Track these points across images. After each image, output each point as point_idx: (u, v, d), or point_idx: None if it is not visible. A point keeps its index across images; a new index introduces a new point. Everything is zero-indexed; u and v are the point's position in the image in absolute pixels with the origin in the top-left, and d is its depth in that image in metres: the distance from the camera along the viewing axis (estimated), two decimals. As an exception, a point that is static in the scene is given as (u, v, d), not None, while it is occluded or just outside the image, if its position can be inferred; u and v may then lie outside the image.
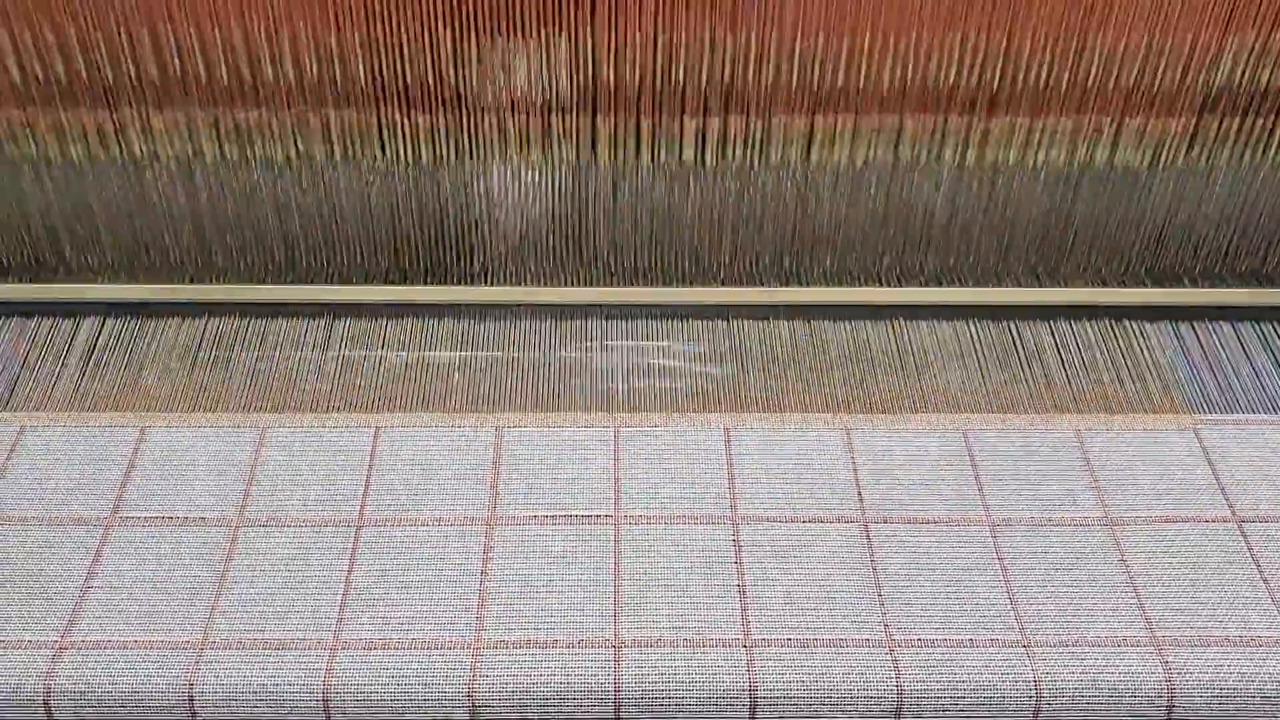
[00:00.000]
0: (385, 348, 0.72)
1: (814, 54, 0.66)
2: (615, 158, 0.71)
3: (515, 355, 0.72)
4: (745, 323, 0.74)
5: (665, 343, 0.73)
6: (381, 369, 0.71)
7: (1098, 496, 0.63)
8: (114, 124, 0.69)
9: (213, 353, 0.72)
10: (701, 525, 0.61)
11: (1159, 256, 0.76)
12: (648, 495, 0.63)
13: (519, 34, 0.65)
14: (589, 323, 0.74)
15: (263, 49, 0.66)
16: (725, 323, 0.74)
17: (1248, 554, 0.60)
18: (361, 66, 0.66)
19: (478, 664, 0.55)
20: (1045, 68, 0.67)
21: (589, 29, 0.65)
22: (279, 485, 0.63)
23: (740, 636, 0.56)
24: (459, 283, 0.76)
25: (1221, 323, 0.74)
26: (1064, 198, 0.73)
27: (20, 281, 0.75)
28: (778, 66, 0.67)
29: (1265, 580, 0.59)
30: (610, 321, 0.74)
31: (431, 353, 0.72)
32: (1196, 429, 0.67)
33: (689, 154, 0.71)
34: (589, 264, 0.75)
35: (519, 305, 0.75)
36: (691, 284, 0.76)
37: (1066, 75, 0.67)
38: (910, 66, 0.67)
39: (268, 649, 0.56)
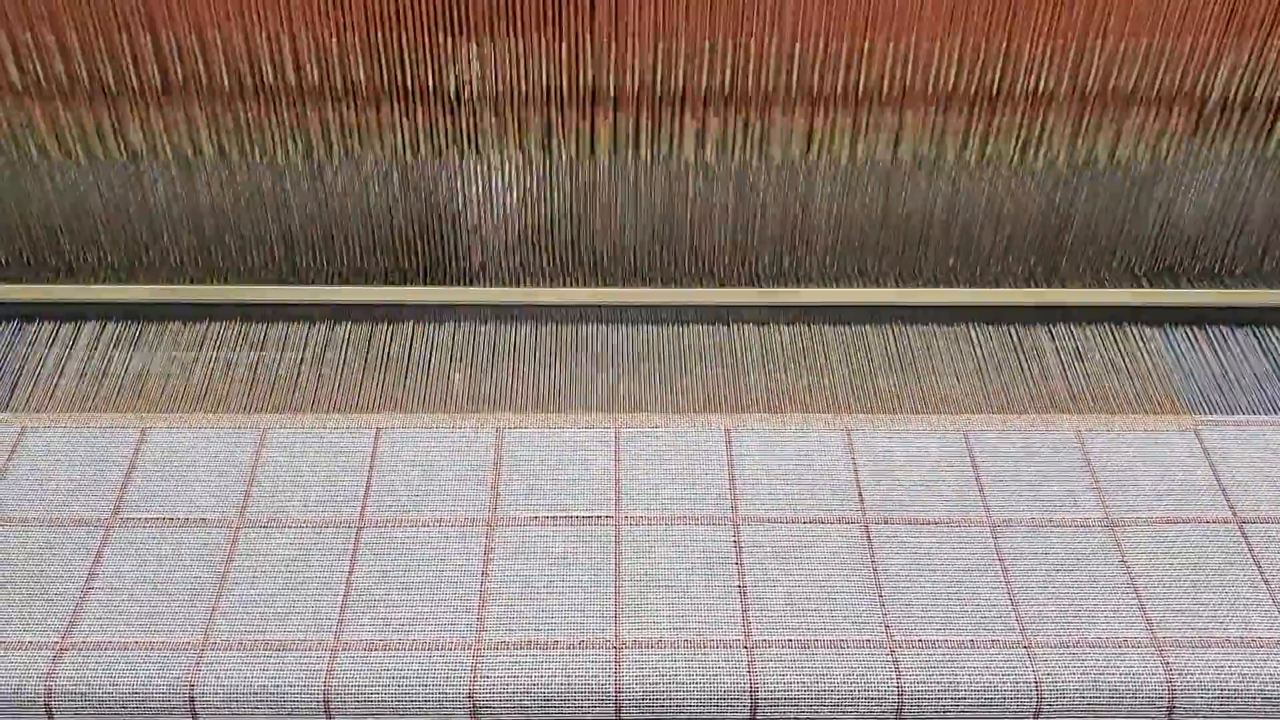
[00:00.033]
0: (385, 348, 0.72)
1: (814, 55, 0.66)
2: (615, 157, 0.71)
3: (515, 356, 0.72)
4: (745, 324, 0.74)
5: (666, 343, 0.73)
6: (382, 370, 0.71)
7: (1098, 497, 0.63)
8: (114, 125, 0.69)
9: (213, 354, 0.72)
10: (702, 526, 0.61)
11: (1159, 257, 0.76)
12: (648, 496, 0.63)
13: (519, 34, 0.65)
14: (589, 323, 0.74)
15: (262, 50, 0.66)
16: (725, 324, 0.74)
17: (1248, 555, 0.60)
18: (361, 67, 0.66)
19: (478, 665, 0.55)
20: (1045, 69, 0.67)
21: (589, 29, 0.65)
22: (280, 486, 0.63)
23: (741, 637, 0.56)
24: (459, 283, 0.76)
25: (1222, 324, 0.74)
26: (1064, 198, 0.73)
27: (21, 282, 0.75)
28: (777, 67, 0.67)
29: (1266, 581, 0.59)
30: (610, 322, 0.74)
31: (432, 353, 0.72)
32: (1197, 430, 0.67)
33: (689, 154, 0.71)
34: (589, 264, 0.75)
35: (519, 305, 0.75)
36: (692, 285, 0.76)
37: (1066, 76, 0.67)
38: (910, 67, 0.67)
39: (268, 650, 0.56)
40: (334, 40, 0.65)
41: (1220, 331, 0.74)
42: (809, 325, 0.74)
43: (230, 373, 0.70)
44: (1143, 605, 0.58)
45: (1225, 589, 0.59)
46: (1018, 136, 0.70)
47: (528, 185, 0.72)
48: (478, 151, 0.71)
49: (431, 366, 0.71)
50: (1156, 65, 0.67)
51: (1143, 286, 0.76)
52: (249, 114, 0.68)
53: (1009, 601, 0.58)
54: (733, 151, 0.70)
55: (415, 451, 0.65)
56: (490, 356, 0.72)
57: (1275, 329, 0.74)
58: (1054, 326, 0.74)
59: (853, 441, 0.66)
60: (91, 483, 0.63)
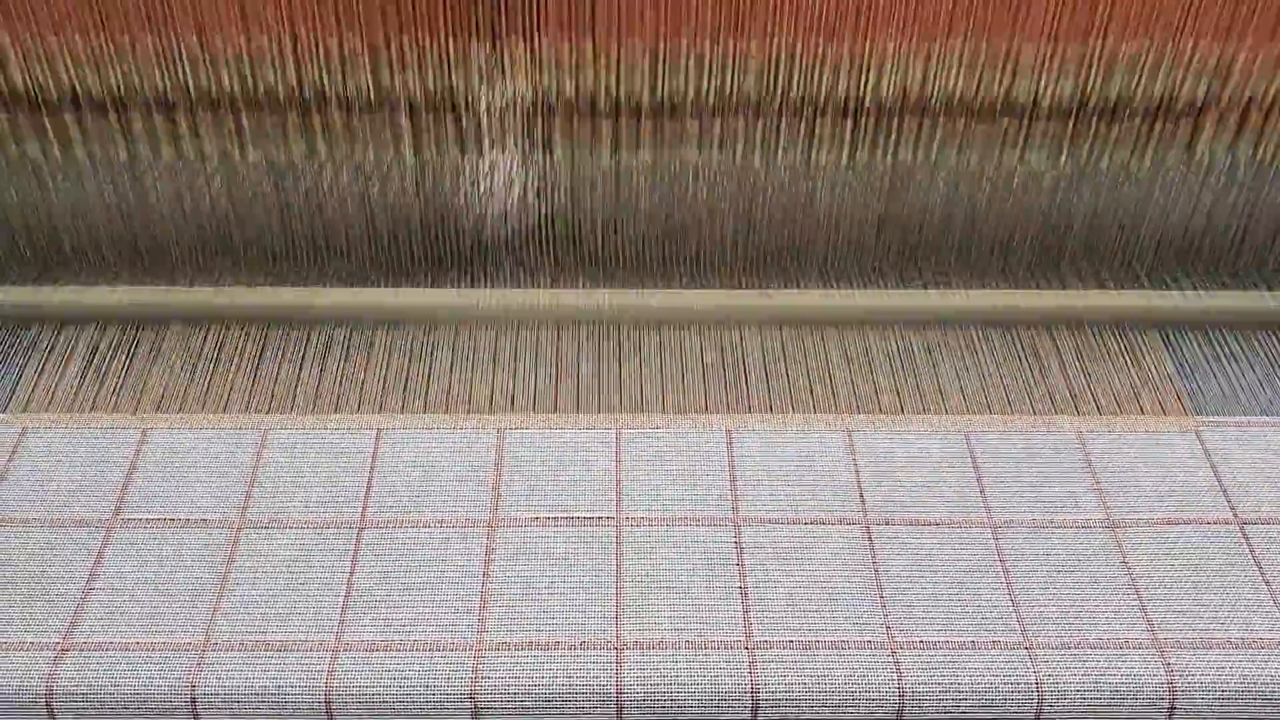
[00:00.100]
0: (386, 349, 0.72)
1: (814, 57, 0.66)
2: (616, 159, 0.71)
3: (516, 357, 0.72)
4: (746, 325, 0.74)
5: (666, 344, 0.73)
6: (383, 370, 0.71)
7: (1099, 498, 0.63)
8: (115, 127, 0.69)
9: (214, 355, 0.72)
10: (703, 527, 0.61)
11: (1160, 259, 0.76)
12: (649, 497, 0.63)
13: (519, 39, 0.65)
14: (590, 324, 0.74)
15: (263, 52, 0.66)
16: (726, 324, 0.74)
17: (1250, 556, 0.60)
18: (362, 70, 0.66)
19: (479, 666, 0.55)
20: (1045, 72, 0.67)
21: (589, 30, 0.65)
22: (281, 487, 0.63)
23: (742, 638, 0.56)
24: (460, 284, 0.76)
25: (1223, 325, 0.74)
26: (1065, 201, 0.73)
27: (21, 284, 0.75)
28: (777, 69, 0.67)
29: (1267, 583, 0.59)
30: (611, 324, 0.74)
31: (432, 354, 0.72)
32: (1198, 431, 0.67)
33: (690, 155, 0.71)
34: (590, 265, 0.75)
35: (520, 306, 0.75)
36: (693, 286, 0.76)
37: (1067, 80, 0.67)
38: (910, 70, 0.67)
39: (270, 651, 0.56)
40: (335, 42, 0.65)
41: (1222, 332, 0.74)
42: (810, 326, 0.74)
43: (231, 374, 0.70)
44: (1144, 606, 0.58)
45: (1226, 590, 0.59)
46: (1018, 139, 0.70)
47: (529, 186, 0.72)
48: (480, 153, 0.71)
49: (432, 367, 0.71)
50: (1155, 69, 0.67)
51: (1144, 288, 0.76)
52: (250, 116, 0.68)
53: (1010, 602, 0.58)
54: (734, 153, 0.70)
55: (416, 452, 0.65)
56: (491, 357, 0.72)
57: (1277, 330, 0.74)
58: (1055, 327, 0.74)
59: (854, 442, 0.66)
60: (92, 483, 0.63)
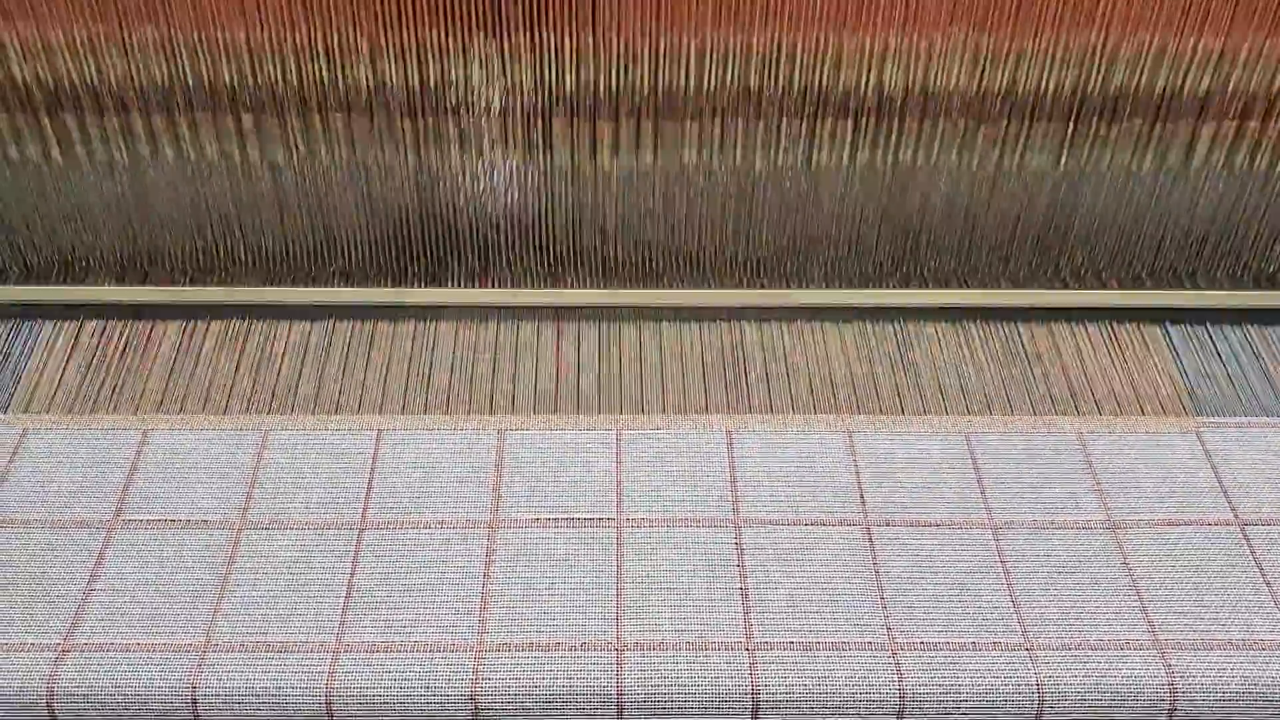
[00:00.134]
0: (387, 350, 0.72)
1: (814, 55, 0.66)
2: (616, 158, 0.71)
3: (517, 357, 0.72)
4: (747, 325, 0.74)
5: (667, 345, 0.73)
6: (383, 371, 0.71)
7: (1100, 499, 0.63)
8: (115, 126, 0.69)
9: (214, 355, 0.72)
10: (704, 528, 0.61)
11: (1161, 258, 0.76)
12: (650, 498, 0.63)
13: (519, 36, 0.65)
14: (590, 324, 0.74)
15: (264, 50, 0.66)
16: (727, 325, 0.74)
17: (1250, 557, 0.60)
18: (362, 68, 0.66)
19: (480, 667, 0.55)
20: (1044, 71, 0.67)
21: (589, 31, 0.65)
22: (281, 488, 0.63)
23: (743, 639, 0.56)
24: (460, 284, 0.76)
25: (1224, 325, 0.74)
26: (1065, 199, 0.73)
27: (22, 283, 0.75)
28: (778, 69, 0.67)
29: (1268, 583, 0.59)
30: (611, 323, 0.74)
31: (433, 355, 0.72)
32: (1199, 432, 0.67)
33: (690, 155, 0.71)
34: (590, 265, 0.75)
35: (520, 307, 0.75)
36: (693, 286, 0.76)
37: (1065, 79, 0.67)
38: (910, 69, 0.67)
39: (270, 652, 0.56)
40: (335, 40, 0.65)
41: (1222, 333, 0.74)
42: (810, 326, 0.74)
43: (232, 374, 0.70)
44: (1144, 607, 0.58)
45: (1227, 591, 0.59)
46: (1019, 138, 0.70)
47: (529, 186, 0.72)
48: (479, 152, 0.71)
49: (433, 368, 0.71)
50: (1156, 66, 0.67)
51: (1145, 288, 0.76)
52: (250, 115, 0.68)
53: (1011, 603, 0.58)
54: (734, 153, 0.70)
55: (417, 453, 0.65)
56: (491, 358, 0.72)
57: (1278, 330, 0.74)
58: (1055, 328, 0.74)
59: (854, 443, 0.66)
60: (93, 485, 0.63)
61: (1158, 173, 0.72)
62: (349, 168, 0.71)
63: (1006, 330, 0.74)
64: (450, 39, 0.66)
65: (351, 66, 0.66)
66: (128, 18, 0.64)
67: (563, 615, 0.57)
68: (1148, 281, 0.76)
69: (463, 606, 0.58)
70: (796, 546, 0.61)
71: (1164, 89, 0.68)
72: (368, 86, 0.67)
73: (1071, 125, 0.70)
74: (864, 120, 0.69)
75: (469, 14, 0.64)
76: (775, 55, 0.66)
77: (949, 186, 0.72)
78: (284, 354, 0.72)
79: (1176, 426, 0.67)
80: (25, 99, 0.68)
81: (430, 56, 0.66)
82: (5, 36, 0.65)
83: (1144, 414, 0.68)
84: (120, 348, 0.72)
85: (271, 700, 0.54)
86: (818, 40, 0.65)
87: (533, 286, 0.76)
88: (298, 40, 0.65)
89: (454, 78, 0.67)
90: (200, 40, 0.65)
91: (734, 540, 0.61)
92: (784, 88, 0.67)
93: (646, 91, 0.68)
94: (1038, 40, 0.66)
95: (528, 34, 0.65)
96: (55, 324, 0.73)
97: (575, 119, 0.69)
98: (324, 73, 0.66)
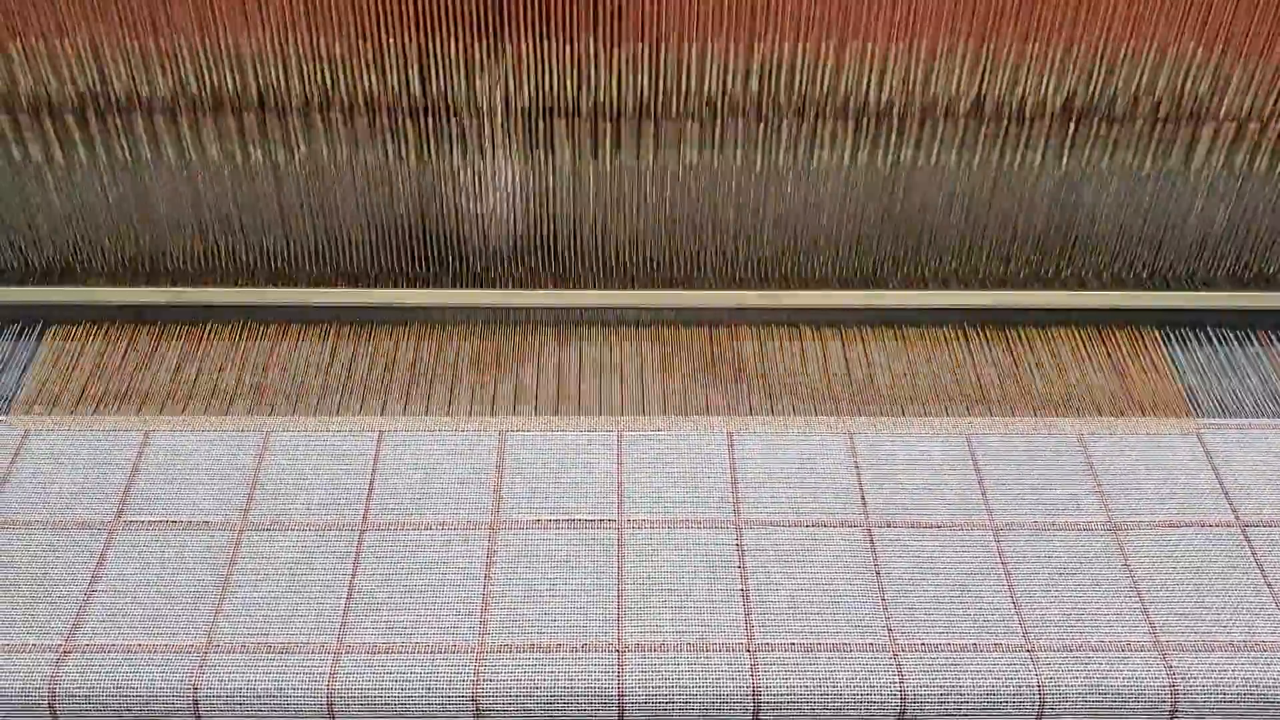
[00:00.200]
0: (388, 351, 0.72)
1: (814, 59, 0.66)
2: (617, 160, 0.71)
3: (517, 359, 0.72)
4: (747, 326, 0.74)
5: (667, 346, 0.73)
6: (384, 373, 0.71)
7: (1101, 501, 0.63)
8: (118, 128, 0.69)
9: (216, 356, 0.72)
10: (705, 530, 0.61)
11: (1161, 259, 0.76)
12: (651, 499, 0.63)
13: (520, 38, 0.66)
14: (591, 326, 0.74)
15: (266, 55, 0.66)
16: (728, 326, 0.74)
17: (1251, 559, 0.60)
18: (364, 72, 0.66)
19: (481, 668, 0.55)
20: (1043, 73, 0.67)
21: (589, 33, 0.65)
22: (283, 489, 0.63)
23: (744, 641, 0.56)
24: (462, 286, 0.76)
25: (1225, 326, 0.74)
26: (1066, 201, 0.73)
27: (25, 285, 0.75)
28: (778, 71, 0.67)
29: (1269, 585, 0.59)
30: (612, 325, 0.74)
31: (434, 356, 0.72)
32: (1200, 433, 0.67)
33: (691, 157, 0.71)
34: (591, 267, 0.75)
35: (521, 308, 0.75)
36: (694, 287, 0.76)
37: (1066, 82, 0.67)
38: (910, 72, 0.67)
39: (272, 653, 0.56)
40: (336, 45, 0.65)
41: (1223, 334, 0.74)
42: (811, 328, 0.74)
43: (233, 376, 0.70)
44: (1145, 609, 0.58)
45: (1228, 593, 0.59)
46: (1019, 140, 0.70)
47: (529, 188, 0.72)
48: (480, 154, 0.71)
49: (434, 369, 0.71)
50: (1155, 72, 0.67)
51: (1146, 289, 0.76)
52: (253, 118, 0.68)
53: (1011, 605, 0.58)
54: (734, 155, 0.70)
55: (418, 454, 0.65)
56: (492, 359, 0.72)
57: (1278, 331, 0.74)
58: (1056, 329, 0.74)
59: (855, 445, 0.66)
60: (95, 485, 0.63)
61: (1158, 174, 0.72)
62: (351, 170, 0.71)
63: (1007, 332, 0.74)
64: (452, 44, 0.66)
65: (354, 70, 0.66)
66: (131, 23, 0.64)
67: (564, 616, 0.57)
68: (1149, 283, 0.76)
69: (464, 608, 0.58)
70: (797, 548, 0.61)
71: (1164, 91, 0.68)
72: (370, 89, 0.67)
73: (1072, 127, 0.70)
74: (864, 122, 0.69)
75: (470, 19, 0.65)
76: (776, 60, 0.66)
77: (950, 188, 0.72)
78: (285, 355, 0.72)
79: (1177, 428, 0.67)
80: (28, 102, 0.68)
81: (432, 60, 0.66)
82: (10, 42, 0.65)
83: (1145, 415, 0.68)
84: (122, 349, 0.72)
85: (273, 701, 0.54)
86: (818, 46, 0.65)
87: (534, 288, 0.76)
88: (299, 44, 0.65)
89: (455, 81, 0.67)
90: (203, 45, 0.65)
91: (735, 542, 0.61)
92: (784, 91, 0.68)
93: (647, 93, 0.68)
94: (1037, 44, 0.66)
95: (528, 39, 0.65)
96: (57, 325, 0.73)
97: (576, 121, 0.69)
98: (326, 76, 0.67)
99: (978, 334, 0.74)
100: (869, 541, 0.61)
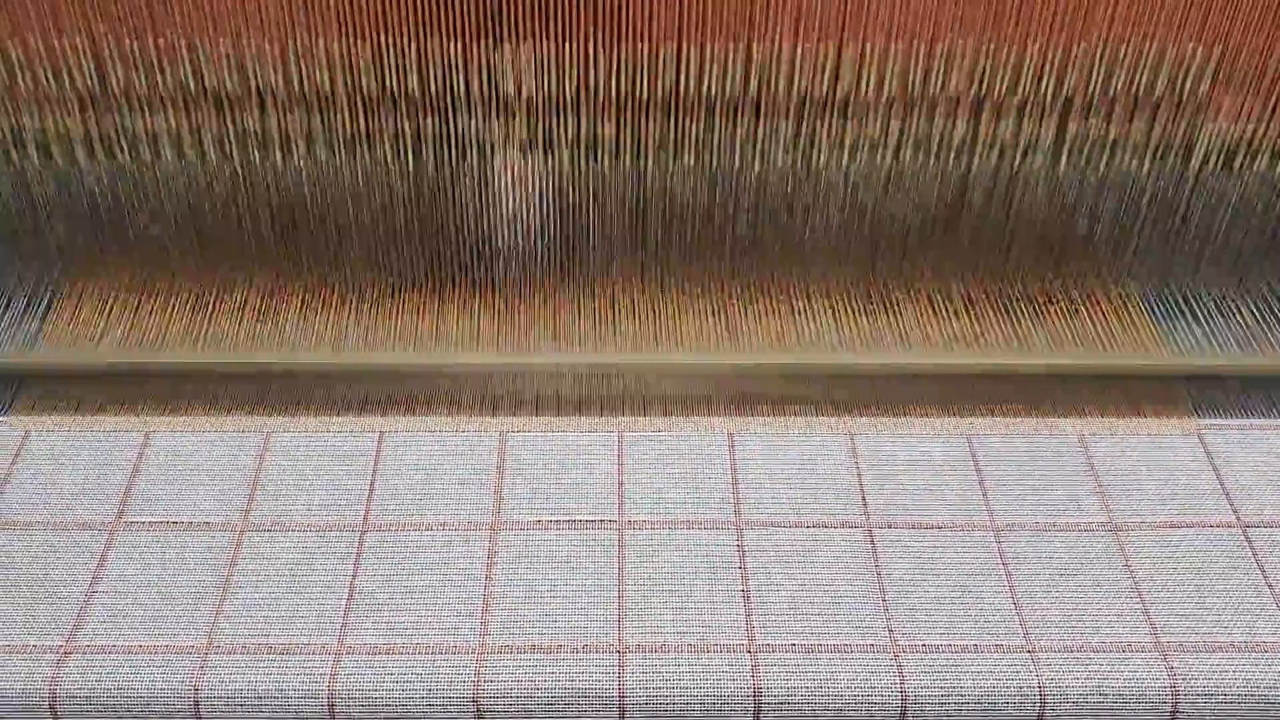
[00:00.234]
0: (389, 352, 0.72)
1: (815, 59, 0.66)
2: (619, 162, 0.71)
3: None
4: (748, 327, 0.74)
5: (669, 347, 0.73)
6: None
7: (1102, 501, 0.63)
8: (117, 128, 0.69)
9: (217, 357, 0.72)
10: (705, 530, 0.61)
11: (1163, 260, 0.76)
12: (652, 500, 0.63)
13: (523, 39, 0.66)
14: (592, 327, 0.74)
15: (267, 54, 0.66)
16: (729, 327, 0.74)
17: (1252, 559, 0.60)
18: (369, 72, 0.66)
19: (482, 669, 0.55)
20: (1044, 74, 0.67)
21: (592, 35, 0.65)
22: (283, 490, 0.63)
23: (745, 642, 0.56)
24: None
25: (1225, 327, 0.74)
26: (1066, 199, 0.73)
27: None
28: (777, 72, 0.67)
29: (1270, 586, 0.59)
30: (613, 325, 0.74)
31: (435, 357, 0.72)
32: (1201, 434, 0.67)
33: (690, 159, 0.71)
34: (593, 268, 0.75)
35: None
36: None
37: (1065, 82, 0.67)
38: (910, 71, 0.67)
39: (272, 654, 0.56)
40: (340, 45, 0.65)
41: (1224, 334, 0.74)
42: (812, 328, 0.74)
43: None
44: (1146, 610, 0.58)
45: (1229, 593, 0.59)
46: (1019, 139, 0.70)
47: (532, 189, 0.72)
48: (482, 156, 0.71)
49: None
50: (1155, 70, 0.67)
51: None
52: (256, 119, 0.68)
53: (1012, 606, 0.58)
54: (736, 154, 0.70)
55: (418, 455, 0.65)
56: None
57: None
58: (1057, 329, 0.74)
59: (856, 445, 0.66)
60: (95, 486, 0.63)
61: (1157, 173, 0.72)
62: (352, 170, 0.71)
63: (1008, 331, 0.74)
64: (454, 44, 0.66)
65: (357, 70, 0.66)
66: (133, 20, 0.64)
67: (564, 617, 0.57)
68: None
69: (465, 608, 0.58)
70: (798, 549, 0.61)
71: (1160, 93, 0.68)
72: (374, 89, 0.67)
73: (1071, 126, 0.70)
74: (863, 122, 0.69)
75: (472, 19, 0.65)
76: (777, 59, 0.66)
77: (952, 189, 0.72)
78: (286, 356, 0.72)
79: (1178, 428, 0.67)
80: (28, 102, 0.68)
81: (435, 61, 0.66)
82: (5, 39, 0.65)
83: (1145, 416, 0.68)
84: (123, 349, 0.72)
85: (274, 702, 0.54)
86: (820, 45, 0.66)
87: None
88: (299, 45, 0.65)
89: (459, 82, 0.67)
90: (203, 44, 0.65)
91: (736, 542, 0.61)
92: (786, 90, 0.68)
93: (650, 96, 0.68)
94: (1036, 44, 0.66)
95: (531, 39, 0.65)
96: (58, 326, 0.73)
97: (579, 122, 0.69)
98: (327, 77, 0.67)
99: (979, 334, 0.74)
100: (870, 542, 0.61)
